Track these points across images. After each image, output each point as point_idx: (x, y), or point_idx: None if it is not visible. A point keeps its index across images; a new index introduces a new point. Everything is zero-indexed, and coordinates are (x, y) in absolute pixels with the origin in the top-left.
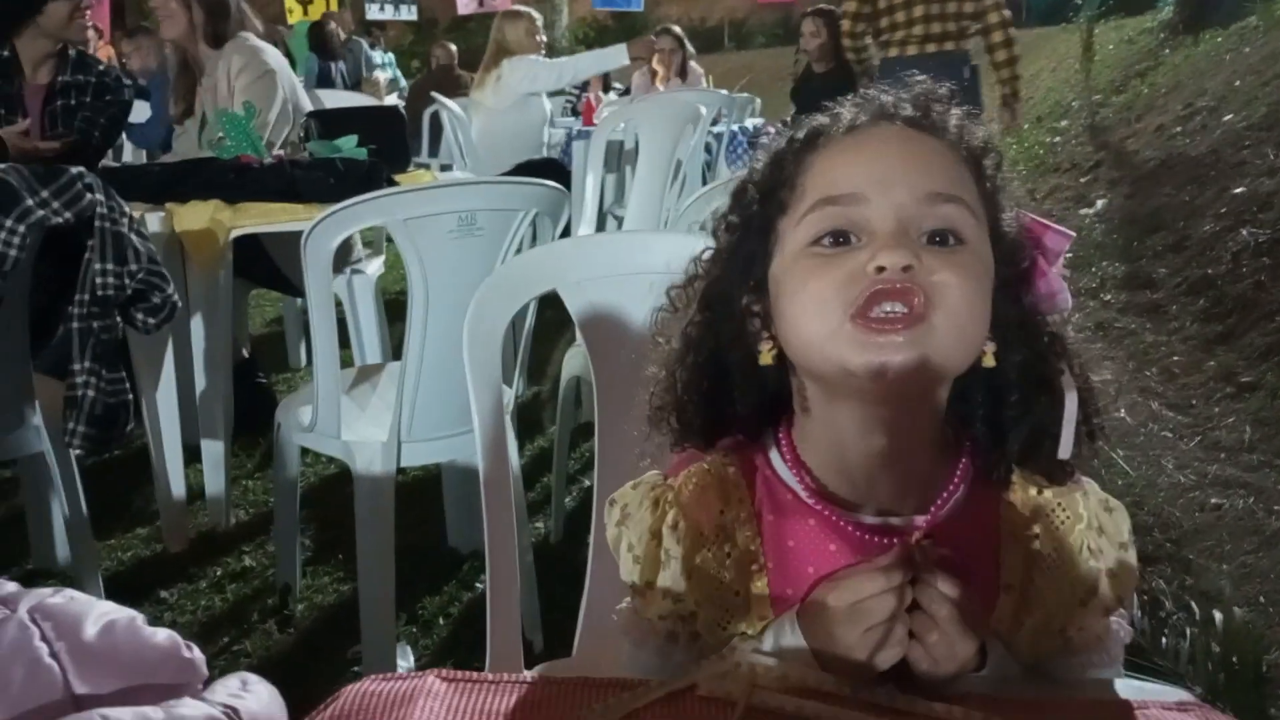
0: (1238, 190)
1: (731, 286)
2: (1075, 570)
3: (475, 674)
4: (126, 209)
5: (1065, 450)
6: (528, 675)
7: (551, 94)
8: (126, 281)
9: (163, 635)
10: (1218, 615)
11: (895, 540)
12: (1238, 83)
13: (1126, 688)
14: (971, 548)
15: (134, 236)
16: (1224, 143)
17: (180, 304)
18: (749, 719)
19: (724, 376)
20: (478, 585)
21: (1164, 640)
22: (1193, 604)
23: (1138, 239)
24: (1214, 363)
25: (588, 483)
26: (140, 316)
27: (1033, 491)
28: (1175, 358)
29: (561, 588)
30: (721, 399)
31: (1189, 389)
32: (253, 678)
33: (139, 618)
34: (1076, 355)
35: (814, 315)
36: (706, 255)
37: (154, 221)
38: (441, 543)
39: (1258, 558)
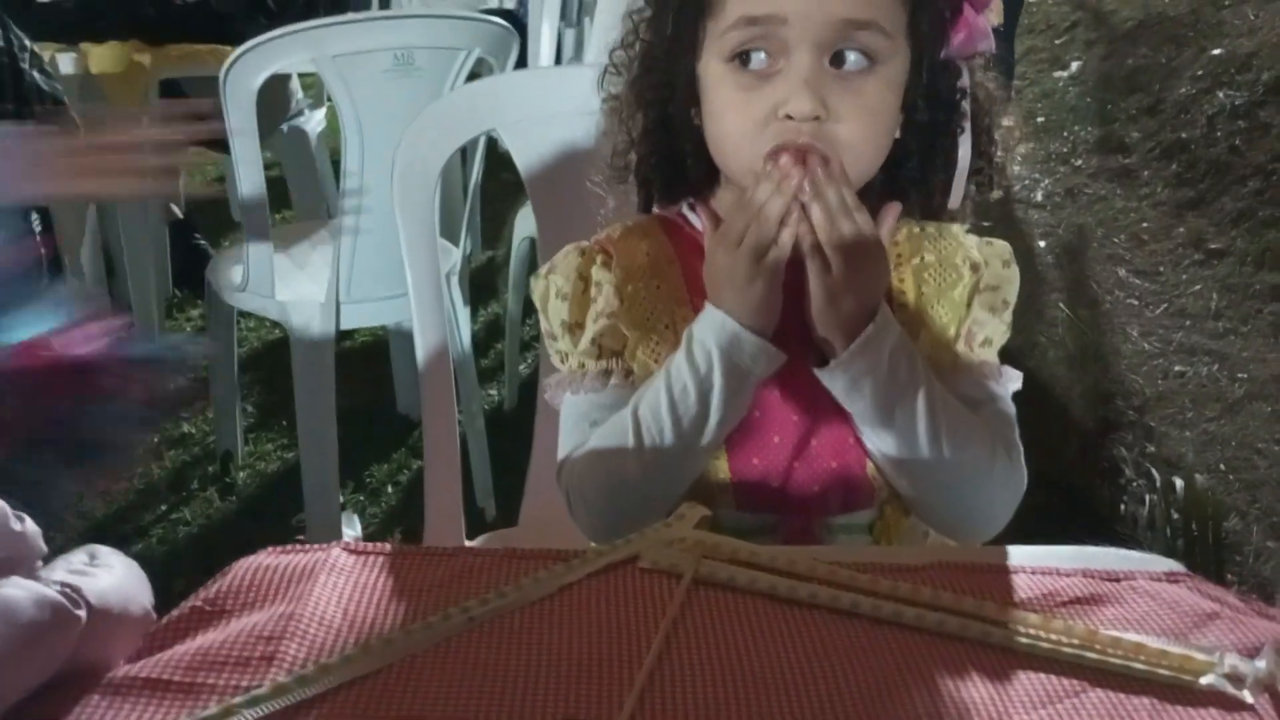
0: (1216, 51)
1: (666, 59)
2: (954, 288)
3: (387, 546)
4: (27, 43)
5: (955, 201)
6: (449, 548)
7: None
8: (30, 124)
9: None
10: (1178, 482)
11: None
12: None
13: (1113, 557)
14: None
15: (36, 74)
16: (1204, 1)
17: None
18: (696, 595)
19: (674, 134)
20: None
21: (1123, 507)
22: (1153, 470)
23: (1112, 102)
24: (1183, 229)
25: None
26: None
27: (916, 228)
28: (1144, 224)
29: (515, 455)
30: (677, 155)
31: (1157, 255)
32: (105, 550)
33: None
34: (988, 103)
35: (730, 149)
36: (642, 18)
37: (66, 63)
38: (391, 409)
39: (1219, 425)
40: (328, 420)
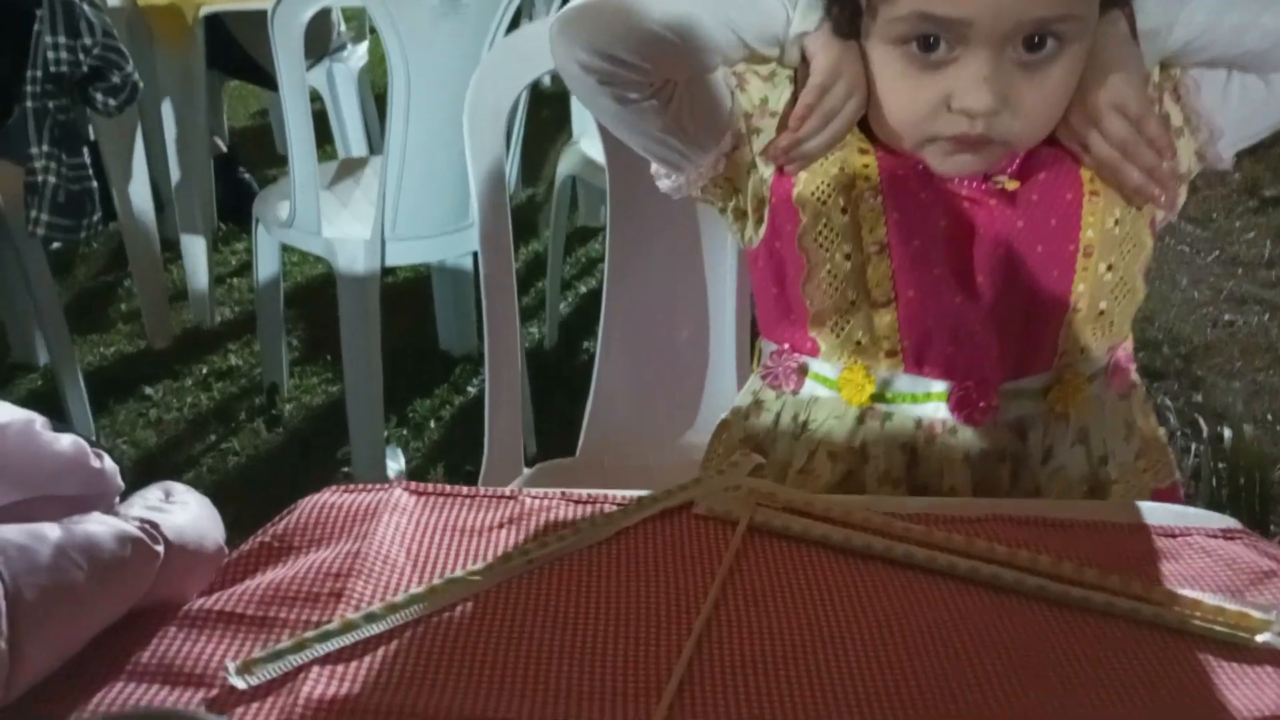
0: None
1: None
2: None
3: (447, 487)
4: None
5: None
6: (504, 490)
7: None
8: (81, 57)
9: (66, 441)
10: (1226, 432)
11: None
12: None
13: (1169, 513)
14: (1055, 204)
15: (86, 7)
16: None
17: (142, 85)
18: (750, 542)
19: None
20: (470, 389)
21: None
22: (1200, 420)
23: None
24: (1238, 174)
25: (583, 288)
26: (100, 97)
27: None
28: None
29: (556, 393)
30: None
31: (1210, 201)
32: (180, 488)
33: (38, 420)
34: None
35: (893, 131)
36: None
37: None
38: (433, 346)
39: (1269, 375)
40: (372, 356)
